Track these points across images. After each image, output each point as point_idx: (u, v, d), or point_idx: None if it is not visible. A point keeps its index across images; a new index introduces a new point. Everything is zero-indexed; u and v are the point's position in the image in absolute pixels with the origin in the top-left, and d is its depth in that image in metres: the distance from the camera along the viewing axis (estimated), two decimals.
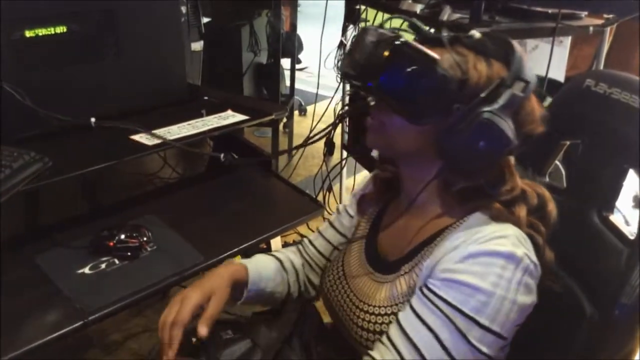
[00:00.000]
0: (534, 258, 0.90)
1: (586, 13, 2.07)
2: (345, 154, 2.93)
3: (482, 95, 0.87)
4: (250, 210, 1.71)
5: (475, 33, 0.94)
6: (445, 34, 0.94)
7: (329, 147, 2.92)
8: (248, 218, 1.65)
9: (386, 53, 0.87)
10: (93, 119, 1.40)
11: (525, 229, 0.92)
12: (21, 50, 1.44)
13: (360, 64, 0.92)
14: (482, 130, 0.86)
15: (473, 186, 0.94)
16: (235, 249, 1.52)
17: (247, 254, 2.47)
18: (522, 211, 0.93)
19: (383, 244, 1.10)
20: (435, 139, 0.91)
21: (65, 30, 1.51)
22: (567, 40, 2.24)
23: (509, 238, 0.88)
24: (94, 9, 1.56)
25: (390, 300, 0.98)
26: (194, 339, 1.32)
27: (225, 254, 1.49)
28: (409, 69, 0.86)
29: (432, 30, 1.01)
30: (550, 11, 1.93)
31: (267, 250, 2.14)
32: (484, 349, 0.85)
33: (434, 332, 0.87)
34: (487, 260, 0.86)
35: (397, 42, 0.87)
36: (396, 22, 1.01)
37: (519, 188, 0.95)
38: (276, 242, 2.12)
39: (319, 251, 1.28)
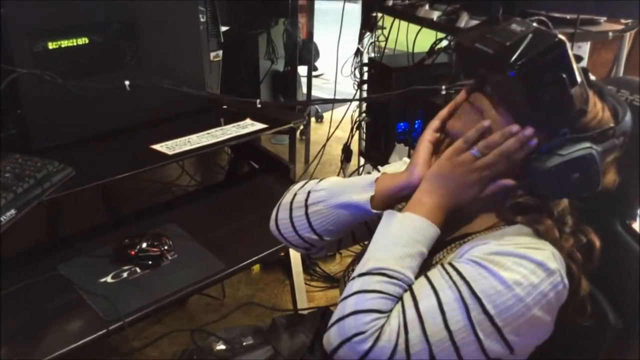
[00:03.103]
0: (566, 279, 0.86)
1: (605, 18, 2.05)
2: (362, 160, 2.93)
3: (595, 132, 0.87)
4: (269, 218, 1.71)
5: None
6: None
7: (346, 154, 2.93)
8: (267, 226, 1.66)
9: (541, 46, 0.83)
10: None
11: (564, 255, 0.89)
12: (44, 62, 1.46)
13: (503, 46, 0.85)
14: (582, 164, 0.85)
15: (532, 202, 0.92)
16: (255, 257, 1.53)
17: (267, 261, 2.49)
18: (567, 241, 0.90)
19: None
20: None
21: (87, 41, 1.53)
22: (586, 46, 2.23)
23: (545, 251, 0.86)
24: (115, 20, 1.58)
25: None
26: (216, 347, 1.34)
27: (245, 262, 1.50)
28: (553, 73, 0.83)
29: None
30: (568, 17, 1.92)
31: (287, 258, 2.15)
32: (480, 334, 0.80)
33: (437, 292, 0.83)
34: (517, 261, 0.83)
35: (557, 40, 0.82)
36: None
37: (569, 218, 0.93)
38: (295, 250, 2.13)
39: None
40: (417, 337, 0.81)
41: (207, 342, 1.34)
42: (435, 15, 2.11)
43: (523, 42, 0.84)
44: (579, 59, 0.96)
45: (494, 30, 0.89)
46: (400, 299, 0.84)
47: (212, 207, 1.77)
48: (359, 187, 0.99)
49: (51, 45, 1.47)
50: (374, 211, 0.96)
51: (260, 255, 1.53)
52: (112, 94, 1.58)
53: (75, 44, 1.51)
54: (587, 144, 0.86)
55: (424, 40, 2.33)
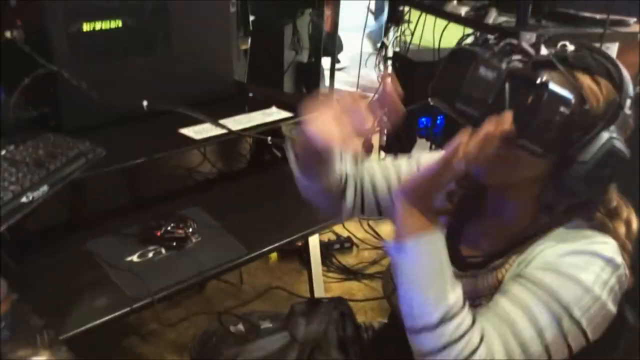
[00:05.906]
0: (627, 270, 0.90)
1: (635, 19, 2.04)
2: (383, 154, 2.94)
3: (602, 121, 0.86)
4: (290, 206, 1.72)
5: (572, 47, 0.90)
6: (547, 51, 0.89)
7: (367, 147, 2.94)
8: (288, 214, 1.68)
9: (529, 98, 0.82)
10: (145, 102, 1.47)
11: (620, 246, 0.91)
12: (78, 43, 1.49)
13: (486, 105, 0.85)
14: (607, 159, 0.85)
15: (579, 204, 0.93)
16: (276, 244, 1.55)
17: (284, 250, 2.51)
18: (621, 227, 0.92)
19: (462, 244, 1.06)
20: (552, 168, 0.89)
21: (120, 24, 1.56)
22: (614, 47, 2.21)
23: (610, 245, 0.89)
24: (149, 5, 1.61)
25: (473, 294, 0.95)
26: (231, 328, 1.36)
27: (266, 248, 1.52)
28: (548, 111, 0.82)
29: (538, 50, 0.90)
30: (598, 17, 1.91)
31: (305, 247, 2.17)
32: (570, 341, 0.85)
33: (531, 312, 0.85)
34: (588, 259, 0.87)
35: (537, 83, 0.82)
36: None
37: (615, 202, 0.94)
38: (314, 240, 2.15)
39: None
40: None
41: (225, 326, 1.37)
42: (463, 10, 2.11)
43: (504, 96, 0.83)
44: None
45: (466, 78, 0.87)
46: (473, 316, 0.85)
47: (235, 193, 1.79)
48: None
49: (86, 27, 1.50)
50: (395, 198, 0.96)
51: (281, 242, 1.55)
52: (144, 77, 1.60)
53: (109, 26, 1.54)
54: (604, 136, 0.85)
55: (450, 35, 2.34)
